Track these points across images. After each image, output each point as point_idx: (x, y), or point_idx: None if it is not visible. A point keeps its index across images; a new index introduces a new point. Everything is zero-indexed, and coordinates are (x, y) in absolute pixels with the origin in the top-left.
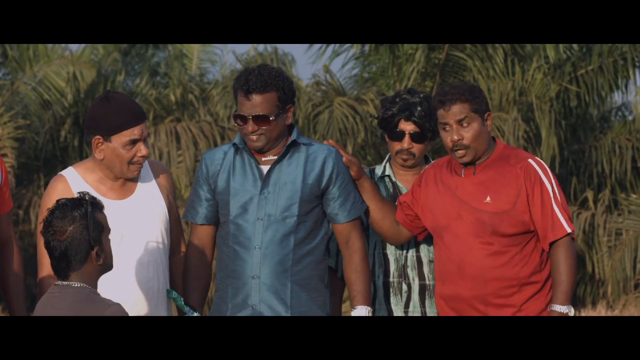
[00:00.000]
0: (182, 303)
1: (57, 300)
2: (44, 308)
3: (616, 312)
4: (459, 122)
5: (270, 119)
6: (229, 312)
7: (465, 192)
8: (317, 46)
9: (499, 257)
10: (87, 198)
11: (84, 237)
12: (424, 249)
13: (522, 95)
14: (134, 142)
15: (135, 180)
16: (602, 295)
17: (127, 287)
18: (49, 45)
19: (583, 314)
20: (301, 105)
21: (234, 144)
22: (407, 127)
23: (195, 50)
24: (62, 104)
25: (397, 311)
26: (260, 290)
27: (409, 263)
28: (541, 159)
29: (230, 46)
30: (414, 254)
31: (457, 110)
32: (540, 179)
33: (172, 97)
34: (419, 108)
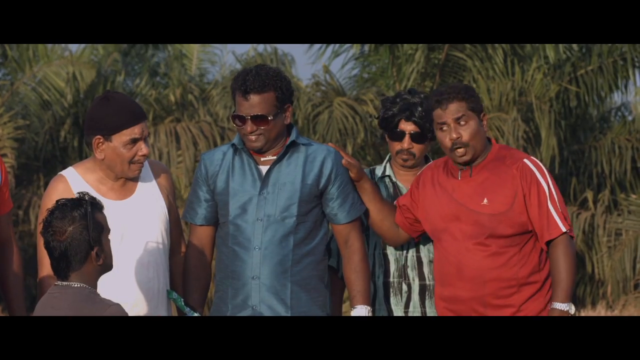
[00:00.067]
0: (182, 304)
1: (57, 301)
2: (43, 308)
3: (616, 313)
4: (457, 120)
5: (269, 118)
6: (229, 312)
7: (462, 195)
8: (316, 46)
9: (497, 258)
10: (86, 198)
11: (83, 237)
12: (424, 249)
13: (522, 95)
14: (134, 141)
15: (135, 180)
16: (602, 295)
17: (127, 288)
18: (49, 46)
19: (583, 314)
20: (301, 106)
21: (233, 145)
22: (407, 127)
23: (194, 50)
24: (61, 104)
25: (397, 311)
26: (260, 290)
27: (409, 263)
28: (541, 159)
29: (229, 46)
30: (414, 254)
31: (454, 108)
32: (537, 178)
33: (172, 98)
34: (419, 108)
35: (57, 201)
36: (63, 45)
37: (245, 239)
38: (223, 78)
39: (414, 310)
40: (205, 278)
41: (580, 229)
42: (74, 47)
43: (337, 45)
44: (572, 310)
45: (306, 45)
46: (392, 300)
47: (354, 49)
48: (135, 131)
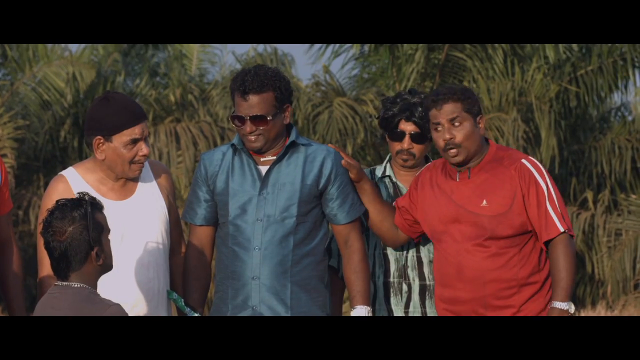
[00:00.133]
0: (183, 304)
1: (57, 301)
2: (43, 308)
3: (616, 313)
4: (451, 121)
5: (268, 119)
6: (229, 313)
7: (461, 197)
8: (316, 47)
9: (497, 258)
10: (86, 198)
11: (83, 237)
12: (424, 249)
13: (522, 95)
14: (134, 142)
15: (135, 180)
16: (602, 295)
17: (128, 288)
18: (49, 46)
19: (583, 314)
20: (301, 106)
21: (233, 145)
22: (407, 127)
23: (194, 50)
24: (61, 105)
25: (398, 311)
26: (260, 291)
27: (409, 263)
28: (541, 159)
29: (229, 46)
30: (414, 254)
31: (449, 109)
32: (535, 179)
33: (172, 98)
34: (419, 108)
35: (57, 201)
36: (63, 45)
37: (245, 240)
38: (223, 78)
39: (414, 311)
40: (205, 278)
41: (580, 229)
42: (73, 48)
43: (337, 45)
44: (571, 309)
45: (306, 46)
46: (392, 300)
47: (353, 49)
48: (135, 131)
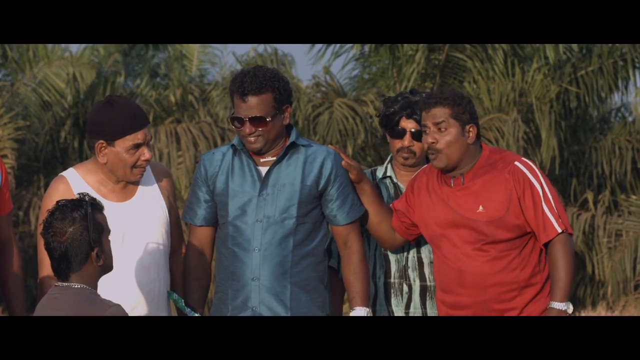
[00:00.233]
0: (183, 304)
1: (57, 302)
2: (44, 309)
3: (616, 313)
4: (437, 125)
5: (267, 120)
6: (229, 314)
7: (457, 203)
8: (317, 47)
9: (497, 262)
10: (86, 199)
11: (84, 238)
12: (424, 249)
13: (522, 96)
14: (137, 147)
15: (136, 182)
16: (602, 296)
17: (128, 290)
18: (49, 46)
19: (583, 315)
20: (301, 107)
21: (233, 145)
22: (408, 124)
23: (195, 51)
24: (62, 105)
25: (398, 312)
26: (260, 292)
27: (409, 264)
28: (541, 160)
29: (230, 47)
30: (415, 255)
31: (436, 113)
32: (529, 181)
33: (172, 98)
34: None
35: (58, 202)
36: (63, 45)
37: (245, 240)
38: (223, 79)
39: (415, 311)
40: (205, 278)
41: (580, 230)
42: (74, 48)
43: (338, 45)
44: (569, 309)
45: (307, 46)
46: (393, 301)
47: (354, 50)
48: (138, 137)
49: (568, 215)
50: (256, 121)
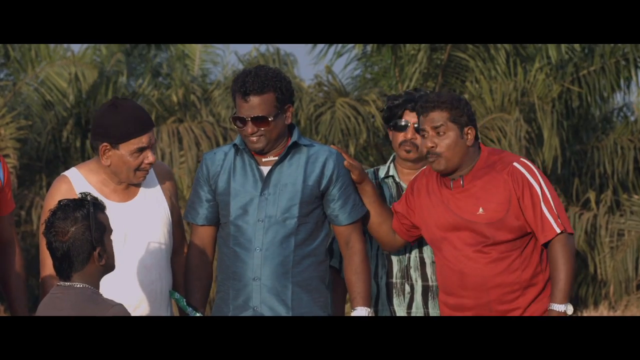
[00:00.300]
0: (185, 304)
1: (59, 301)
2: (46, 309)
3: (618, 313)
4: (435, 129)
5: (269, 119)
6: (231, 313)
7: (457, 206)
8: (319, 47)
9: (498, 263)
10: (88, 199)
11: (86, 237)
12: (427, 250)
13: (524, 95)
14: (141, 150)
15: (138, 182)
16: (604, 296)
17: (131, 290)
18: (51, 46)
19: (585, 314)
20: (303, 106)
21: (235, 145)
22: (411, 118)
23: (197, 50)
24: (64, 105)
25: (400, 312)
26: (262, 291)
27: (412, 264)
28: (543, 159)
29: (232, 47)
30: (417, 255)
31: (434, 117)
32: (528, 181)
33: (174, 98)
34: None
35: (60, 202)
36: (65, 45)
37: (246, 240)
38: (225, 78)
39: (417, 311)
40: (207, 278)
41: (582, 230)
42: (76, 48)
43: (340, 45)
44: (569, 311)
45: (309, 46)
46: (395, 301)
47: (356, 50)
48: (142, 140)
49: (570, 215)
50: (258, 121)
